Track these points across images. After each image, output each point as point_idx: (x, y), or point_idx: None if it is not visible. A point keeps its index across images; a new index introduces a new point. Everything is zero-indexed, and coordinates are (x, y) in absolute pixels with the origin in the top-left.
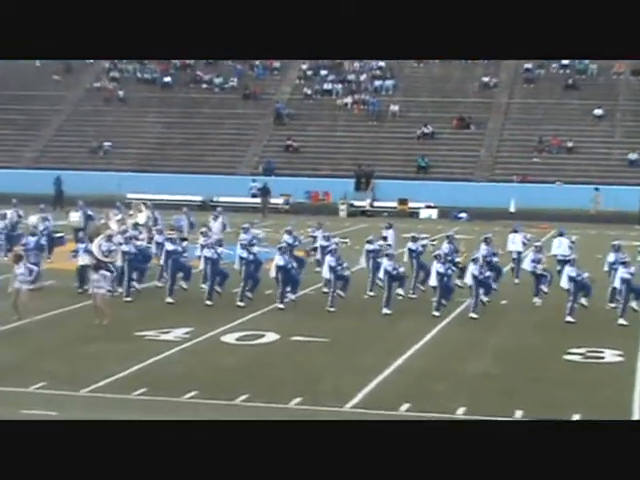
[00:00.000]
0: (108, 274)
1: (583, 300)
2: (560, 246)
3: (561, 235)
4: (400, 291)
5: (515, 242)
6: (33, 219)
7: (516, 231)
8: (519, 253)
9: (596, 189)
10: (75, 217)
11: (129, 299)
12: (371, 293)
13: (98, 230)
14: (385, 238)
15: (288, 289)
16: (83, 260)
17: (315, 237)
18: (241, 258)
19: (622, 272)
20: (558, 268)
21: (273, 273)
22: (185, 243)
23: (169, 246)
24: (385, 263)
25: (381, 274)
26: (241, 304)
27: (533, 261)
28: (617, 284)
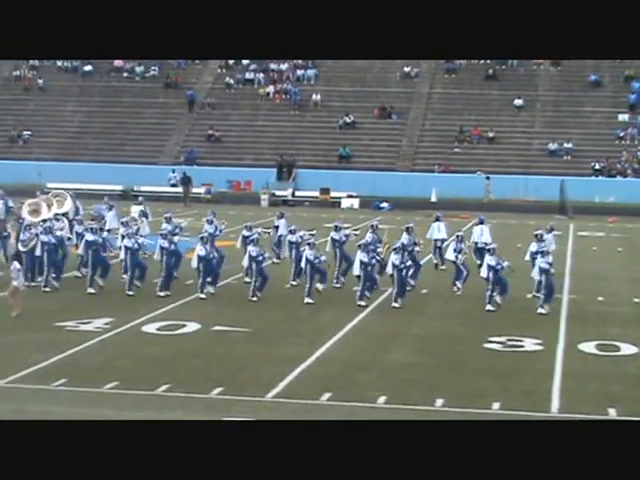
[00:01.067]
0: (19, 266)
1: (497, 298)
2: (483, 234)
3: (481, 223)
4: (319, 286)
5: (441, 230)
6: None
7: (438, 219)
8: (443, 241)
9: (487, 178)
10: None
11: (48, 289)
12: (293, 283)
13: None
14: (277, 227)
15: (209, 279)
16: None
17: (277, 227)
18: (162, 248)
19: (540, 262)
20: (476, 258)
21: (194, 263)
22: (105, 234)
23: (89, 236)
24: (307, 252)
25: (303, 263)
26: (161, 294)
27: (455, 250)
28: (535, 274)
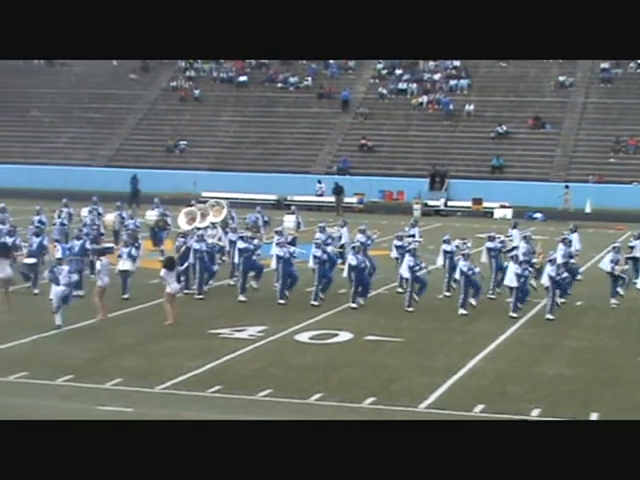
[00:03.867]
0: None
1: None
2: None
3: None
4: (473, 301)
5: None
6: (110, 217)
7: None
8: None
9: (566, 187)
10: (152, 216)
11: (201, 297)
12: (447, 293)
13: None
14: (412, 236)
15: (360, 289)
16: (124, 265)
17: (340, 236)
18: (315, 257)
19: None
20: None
21: (346, 273)
22: (256, 241)
23: (241, 244)
24: (461, 264)
25: (457, 275)
26: (315, 303)
27: (612, 261)
28: None
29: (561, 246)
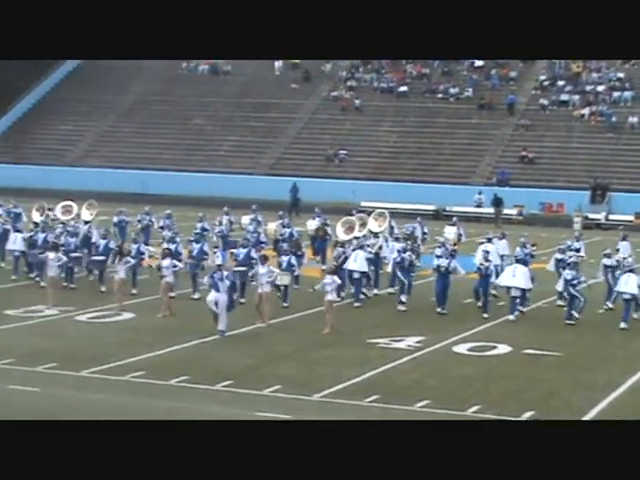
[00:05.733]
0: (339, 281)
1: None
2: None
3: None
4: (635, 315)
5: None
6: (272, 226)
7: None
8: None
9: None
10: (312, 225)
11: (358, 304)
12: (611, 306)
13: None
14: (618, 250)
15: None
16: (282, 280)
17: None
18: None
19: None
20: None
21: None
22: (407, 254)
23: (394, 255)
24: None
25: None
26: (485, 316)
27: None
28: None
29: None
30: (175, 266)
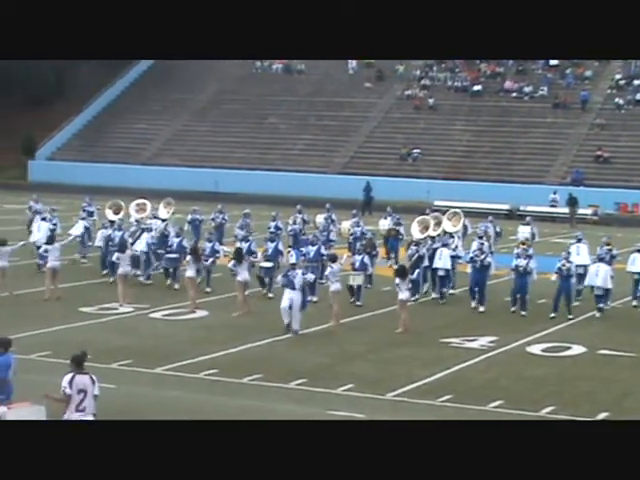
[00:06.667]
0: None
1: None
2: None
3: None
4: None
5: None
6: (346, 224)
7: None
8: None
9: None
10: (385, 225)
11: (443, 302)
12: None
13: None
14: None
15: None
16: (354, 280)
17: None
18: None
19: None
20: None
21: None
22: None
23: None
24: None
25: None
26: (552, 315)
27: None
28: None
29: None
30: (252, 265)
